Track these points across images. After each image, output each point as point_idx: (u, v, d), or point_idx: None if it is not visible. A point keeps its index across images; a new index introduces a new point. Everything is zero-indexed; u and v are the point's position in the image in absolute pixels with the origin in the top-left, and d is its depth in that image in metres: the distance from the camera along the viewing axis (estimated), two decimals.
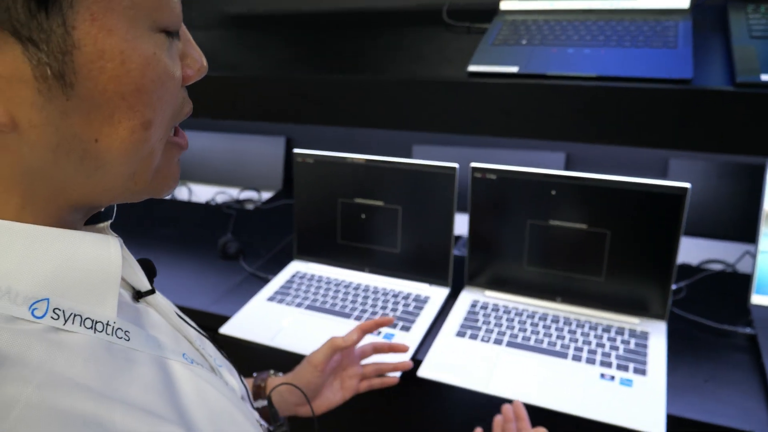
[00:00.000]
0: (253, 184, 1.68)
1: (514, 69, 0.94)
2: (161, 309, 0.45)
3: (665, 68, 0.88)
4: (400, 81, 1.01)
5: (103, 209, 0.43)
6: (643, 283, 0.96)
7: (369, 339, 0.91)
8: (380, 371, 0.85)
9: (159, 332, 0.42)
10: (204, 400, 0.40)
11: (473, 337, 0.96)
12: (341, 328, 1.01)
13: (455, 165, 1.03)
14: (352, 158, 1.12)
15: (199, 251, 1.34)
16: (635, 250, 0.95)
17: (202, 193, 1.73)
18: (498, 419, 0.80)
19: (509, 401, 0.83)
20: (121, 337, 0.37)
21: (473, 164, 1.02)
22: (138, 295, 0.44)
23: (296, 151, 1.17)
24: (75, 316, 0.35)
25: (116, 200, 0.39)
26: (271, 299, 1.10)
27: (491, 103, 0.96)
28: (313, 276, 1.17)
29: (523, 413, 0.78)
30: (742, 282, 1.01)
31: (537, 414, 0.82)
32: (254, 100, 1.15)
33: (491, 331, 0.97)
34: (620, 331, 0.94)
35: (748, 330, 0.94)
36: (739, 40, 0.90)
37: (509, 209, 1.02)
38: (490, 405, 0.86)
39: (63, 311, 0.34)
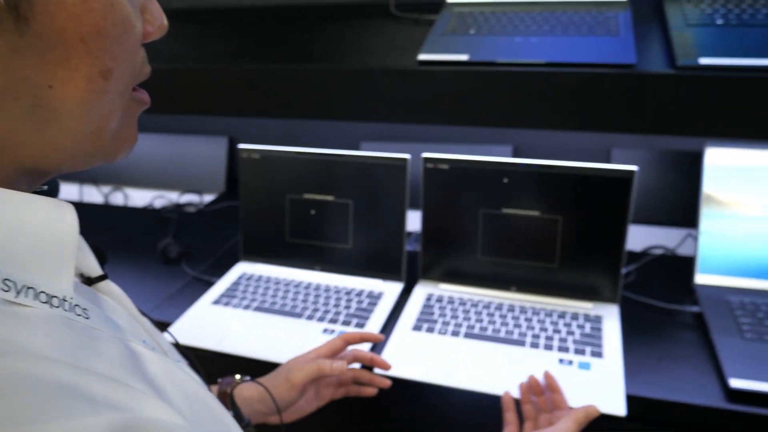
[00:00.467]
0: (194, 187, 1.61)
1: (464, 57, 0.94)
2: (115, 296, 0.41)
3: (609, 54, 0.90)
4: (349, 70, 0.99)
5: (46, 186, 0.38)
6: (595, 267, 0.97)
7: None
8: (358, 379, 0.81)
9: (117, 317, 0.38)
10: (175, 382, 0.36)
11: (430, 330, 0.94)
12: (292, 328, 0.97)
13: (406, 156, 1.02)
14: (300, 152, 1.08)
15: (137, 257, 1.27)
16: (586, 235, 0.96)
17: (139, 198, 1.65)
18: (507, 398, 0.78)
19: (472, 393, 0.81)
20: (80, 315, 0.33)
21: (425, 154, 1.01)
22: (89, 282, 0.40)
23: (241, 146, 1.13)
24: (28, 288, 0.30)
25: (67, 164, 0.35)
26: (216, 302, 1.05)
27: (442, 91, 0.95)
28: (261, 277, 1.12)
29: (557, 385, 0.77)
30: (686, 264, 1.03)
31: (499, 402, 0.81)
32: (196, 92, 1.10)
33: (448, 324, 0.95)
34: (575, 317, 0.95)
35: (694, 308, 0.96)
36: (677, 28, 0.93)
37: (462, 199, 1.01)
38: (449, 397, 0.84)
39: (15, 283, 0.30)
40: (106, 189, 1.68)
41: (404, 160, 1.02)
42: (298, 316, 1.00)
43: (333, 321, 0.98)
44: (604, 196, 0.94)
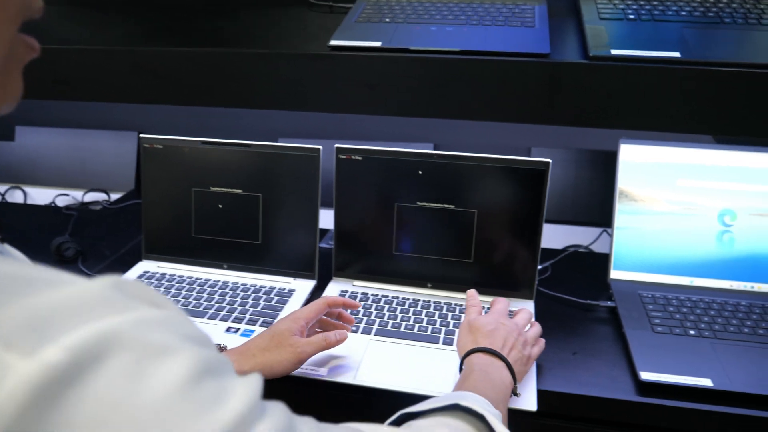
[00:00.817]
0: (101, 185, 1.50)
1: (377, 43, 0.91)
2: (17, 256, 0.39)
3: (525, 44, 0.88)
4: (258, 54, 0.94)
5: None
6: (511, 263, 0.95)
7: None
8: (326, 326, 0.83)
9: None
10: None
11: None
12: None
13: (318, 147, 0.97)
14: (206, 142, 1.02)
15: (31, 257, 1.16)
16: (502, 229, 0.94)
17: (40, 197, 1.52)
18: None
19: (378, 391, 0.76)
20: None
21: (338, 145, 0.96)
22: None
23: (143, 136, 1.05)
24: None
25: None
26: None
27: (355, 78, 0.91)
28: (163, 275, 1.04)
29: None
30: (602, 260, 1.03)
31: (408, 400, 0.76)
32: (99, 76, 1.02)
33: (359, 321, 0.90)
34: None
35: (609, 303, 0.95)
36: (591, 21, 0.93)
37: (376, 192, 0.97)
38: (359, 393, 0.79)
39: None
40: (2, 187, 1.54)
41: (316, 150, 0.97)
42: (201, 315, 0.92)
43: (238, 320, 0.91)
44: (518, 189, 0.92)
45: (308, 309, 0.78)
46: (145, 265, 1.08)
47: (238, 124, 1.42)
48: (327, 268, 1.02)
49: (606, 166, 1.20)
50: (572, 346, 0.87)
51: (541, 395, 0.76)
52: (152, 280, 1.02)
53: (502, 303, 0.80)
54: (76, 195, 1.50)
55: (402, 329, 0.89)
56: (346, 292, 0.98)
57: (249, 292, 0.98)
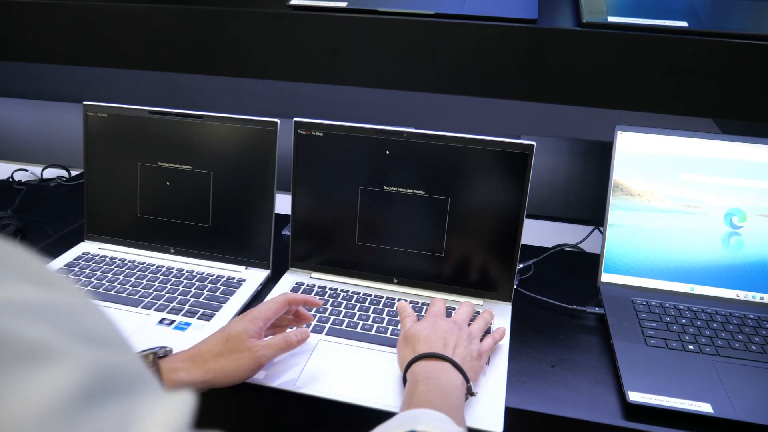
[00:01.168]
0: (62, 160, 1.40)
1: (342, 4, 0.80)
2: None
3: (509, 8, 0.77)
4: (209, 12, 0.83)
5: None
6: (486, 259, 0.84)
7: None
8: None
9: None
10: None
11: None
12: (123, 317, 0.79)
13: (276, 120, 0.86)
14: (154, 112, 0.91)
15: None
16: (477, 220, 0.83)
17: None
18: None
19: (321, 401, 0.66)
20: None
21: (297, 119, 0.85)
22: None
23: (87, 103, 0.95)
24: None
25: None
26: None
27: (317, 41, 0.80)
28: (103, 258, 0.93)
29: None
30: (592, 261, 0.92)
31: (355, 412, 0.65)
32: (37, 34, 0.91)
33: (313, 317, 0.79)
34: None
35: (597, 310, 0.84)
36: None
37: (338, 173, 0.86)
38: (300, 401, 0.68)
39: None
40: None
41: (273, 123, 0.86)
42: (134, 304, 0.82)
43: (175, 311, 0.81)
44: (498, 175, 0.81)
45: (266, 308, 0.69)
46: (85, 246, 0.97)
47: (203, 97, 1.31)
48: (285, 258, 0.92)
49: (602, 157, 1.09)
50: (551, 357, 0.76)
51: (510, 414, 0.65)
52: (90, 263, 0.92)
53: (436, 305, 0.74)
54: (36, 170, 1.41)
55: (358, 329, 0.78)
56: (302, 284, 0.87)
57: (194, 281, 0.88)
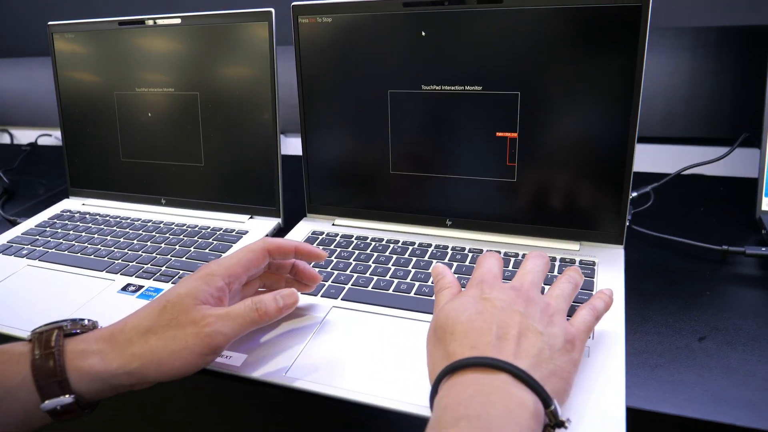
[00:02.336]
0: None
1: None
2: None
3: None
4: None
5: None
6: (579, 181, 0.56)
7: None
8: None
9: None
10: None
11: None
12: (79, 283, 0.59)
13: (269, 9, 0.62)
14: (124, 22, 0.70)
15: None
16: (564, 122, 0.55)
17: (26, 138, 1.31)
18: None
19: (322, 398, 0.42)
20: None
21: (295, 3, 0.61)
22: None
23: (51, 23, 0.75)
24: None
25: None
26: None
27: None
28: (84, 215, 0.74)
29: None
30: (742, 188, 0.62)
31: (368, 414, 0.41)
32: None
33: (325, 277, 0.56)
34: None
35: (762, 250, 0.54)
36: None
37: (358, 73, 0.61)
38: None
39: None
40: None
41: (266, 14, 0.62)
42: (100, 267, 0.62)
43: (147, 274, 0.60)
44: (592, 49, 0.53)
45: (233, 259, 0.45)
46: (67, 203, 0.79)
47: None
48: (301, 202, 0.68)
49: (744, 50, 0.77)
50: (696, 326, 0.48)
51: (636, 420, 0.38)
52: (66, 222, 0.73)
53: (486, 262, 0.43)
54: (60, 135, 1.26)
55: (391, 290, 0.53)
56: (321, 234, 0.64)
57: (182, 236, 0.67)
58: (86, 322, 0.42)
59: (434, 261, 0.57)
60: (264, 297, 0.42)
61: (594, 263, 0.54)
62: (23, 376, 0.37)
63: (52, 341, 0.39)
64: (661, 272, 0.55)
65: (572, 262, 0.55)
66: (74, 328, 0.41)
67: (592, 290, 0.51)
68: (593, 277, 0.52)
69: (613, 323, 0.46)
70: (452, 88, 0.57)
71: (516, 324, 0.36)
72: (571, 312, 0.42)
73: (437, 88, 0.58)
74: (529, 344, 0.35)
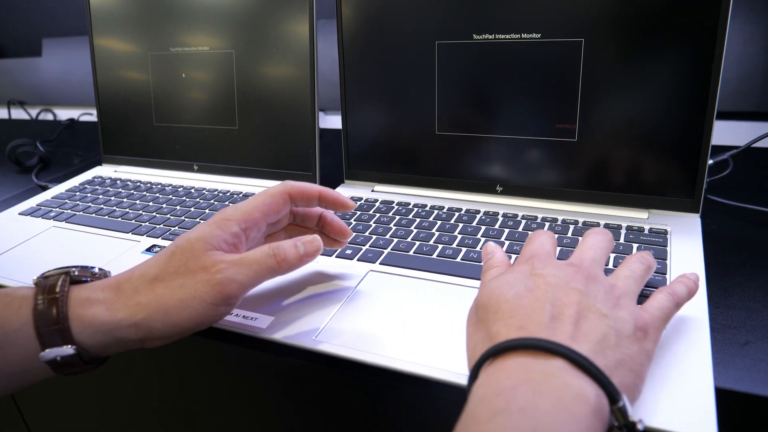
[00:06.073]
0: None
1: None
2: None
3: None
4: None
5: None
6: (649, 142, 0.50)
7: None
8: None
9: None
10: None
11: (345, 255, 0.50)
12: (105, 243, 0.56)
13: None
14: None
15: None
16: (631, 73, 0.49)
17: (67, 116, 1.31)
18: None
19: (351, 364, 0.37)
20: None
21: None
22: None
23: None
24: None
25: None
26: (25, 213, 0.65)
27: None
28: (115, 181, 0.72)
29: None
30: None
31: (403, 381, 0.36)
32: None
33: (362, 241, 0.51)
34: (616, 233, 0.48)
35: None
36: None
37: (402, 23, 0.56)
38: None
39: None
40: (33, 111, 1.35)
41: None
42: (125, 229, 0.58)
43: (173, 236, 0.56)
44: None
45: (250, 204, 0.40)
46: (99, 170, 0.77)
47: None
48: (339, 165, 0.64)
49: None
50: None
51: (722, 398, 0.32)
52: (97, 187, 0.70)
53: (537, 239, 0.38)
54: None
55: (434, 255, 0.48)
56: (359, 200, 0.59)
57: (212, 200, 0.63)
58: (96, 270, 0.38)
59: (482, 227, 0.51)
60: (283, 243, 0.37)
61: (666, 231, 0.48)
62: (23, 321, 0.34)
63: (57, 287, 0.35)
64: (743, 244, 0.48)
65: (640, 230, 0.48)
66: (83, 275, 0.37)
67: (666, 259, 0.44)
68: (666, 246, 0.46)
69: (696, 305, 0.39)
70: (507, 36, 0.52)
71: (574, 303, 0.30)
72: (641, 301, 0.35)
73: (490, 37, 0.52)
74: (591, 327, 0.29)
